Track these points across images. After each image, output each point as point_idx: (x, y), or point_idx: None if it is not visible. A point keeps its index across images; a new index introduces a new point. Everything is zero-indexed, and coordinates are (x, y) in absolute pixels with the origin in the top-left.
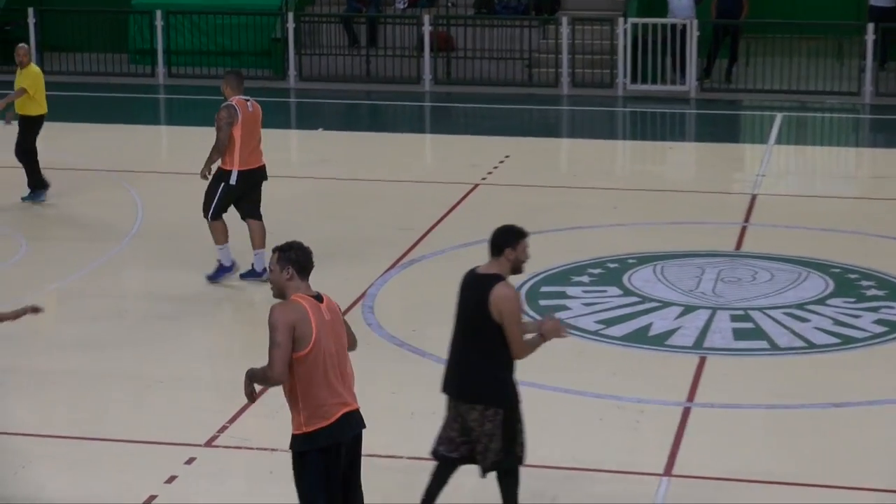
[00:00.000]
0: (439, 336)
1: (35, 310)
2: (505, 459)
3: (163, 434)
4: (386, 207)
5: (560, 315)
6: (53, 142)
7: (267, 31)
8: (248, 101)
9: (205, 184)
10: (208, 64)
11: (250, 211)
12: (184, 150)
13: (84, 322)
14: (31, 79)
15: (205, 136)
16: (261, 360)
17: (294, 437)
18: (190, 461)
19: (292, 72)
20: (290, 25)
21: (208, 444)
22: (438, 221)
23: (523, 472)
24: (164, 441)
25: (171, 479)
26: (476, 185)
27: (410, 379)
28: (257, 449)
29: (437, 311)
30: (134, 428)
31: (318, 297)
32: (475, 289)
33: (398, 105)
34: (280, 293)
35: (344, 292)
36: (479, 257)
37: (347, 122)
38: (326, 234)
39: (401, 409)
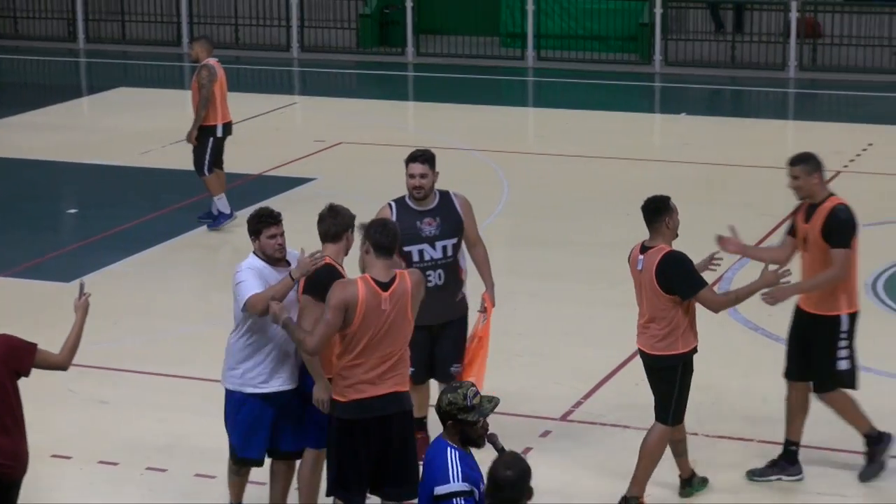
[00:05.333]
0: None
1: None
2: None
3: (522, 407)
4: (746, 192)
5: None
6: (424, 120)
7: (635, 17)
8: (217, 61)
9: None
10: (576, 48)
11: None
12: (550, 132)
13: None
14: None
15: (570, 119)
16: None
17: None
18: (545, 434)
19: (658, 56)
20: (658, 11)
21: (563, 418)
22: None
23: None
24: (522, 413)
25: (527, 450)
26: (838, 173)
27: (764, 363)
28: (610, 426)
29: (793, 296)
30: None
31: (387, 285)
32: None
33: (762, 91)
34: (360, 267)
35: None
36: None
37: (710, 108)
38: (685, 217)
39: (753, 393)
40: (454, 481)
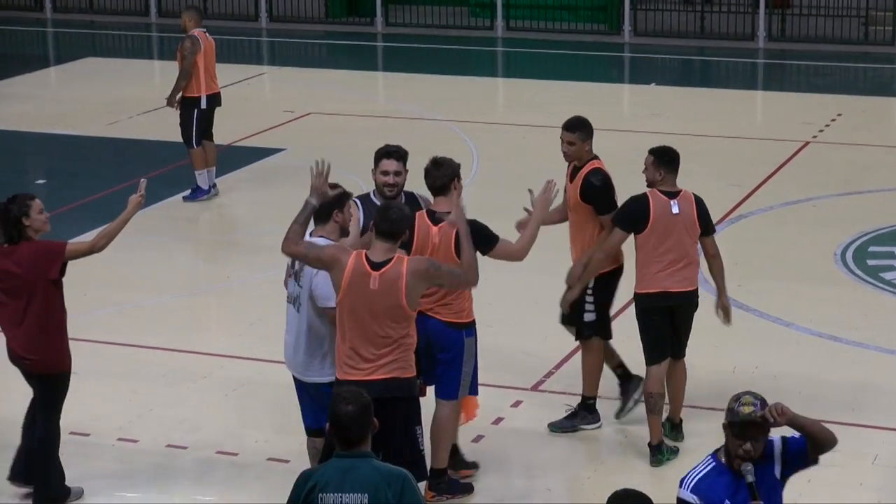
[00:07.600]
0: (763, 290)
1: None
2: None
3: (493, 377)
4: (715, 163)
5: (887, 276)
6: (393, 90)
7: None
8: (205, 32)
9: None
10: (545, 18)
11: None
12: (520, 102)
13: None
14: None
15: (540, 89)
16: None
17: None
18: (516, 404)
19: (627, 27)
20: None
21: (534, 388)
22: (767, 178)
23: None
24: (492, 384)
25: (498, 420)
26: (806, 143)
27: (734, 333)
28: (581, 395)
29: (762, 266)
30: None
31: (379, 265)
32: None
33: (731, 61)
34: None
35: None
36: (806, 215)
37: (680, 78)
38: None
39: (723, 363)
40: (683, 489)
